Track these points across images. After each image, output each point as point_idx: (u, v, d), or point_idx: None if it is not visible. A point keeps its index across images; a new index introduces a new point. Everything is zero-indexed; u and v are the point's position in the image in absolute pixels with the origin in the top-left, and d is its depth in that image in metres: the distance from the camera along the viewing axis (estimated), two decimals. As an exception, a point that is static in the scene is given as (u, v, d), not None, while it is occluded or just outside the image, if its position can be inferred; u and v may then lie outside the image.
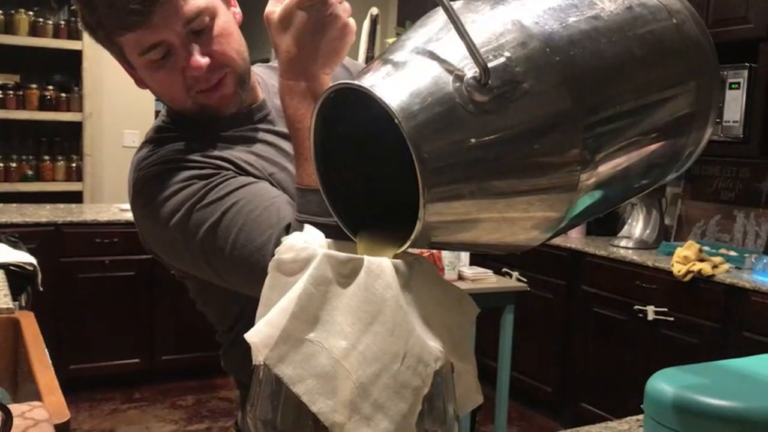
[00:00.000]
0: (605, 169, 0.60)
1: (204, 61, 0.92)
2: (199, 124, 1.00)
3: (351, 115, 0.65)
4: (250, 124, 1.03)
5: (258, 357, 0.62)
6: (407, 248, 0.63)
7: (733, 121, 2.91)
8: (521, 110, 0.56)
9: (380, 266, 0.62)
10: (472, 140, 0.56)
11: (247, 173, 0.97)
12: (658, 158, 0.64)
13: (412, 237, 0.60)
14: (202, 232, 0.92)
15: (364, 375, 0.58)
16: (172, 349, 3.75)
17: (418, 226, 0.58)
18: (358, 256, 0.62)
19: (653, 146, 0.63)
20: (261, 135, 1.02)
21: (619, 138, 0.60)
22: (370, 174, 0.71)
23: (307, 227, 0.71)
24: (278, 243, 0.65)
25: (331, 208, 0.68)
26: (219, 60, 0.94)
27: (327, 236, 0.70)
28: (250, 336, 0.60)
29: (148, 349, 3.72)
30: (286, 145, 0.97)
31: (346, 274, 0.62)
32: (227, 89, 0.97)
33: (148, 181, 0.97)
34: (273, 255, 0.65)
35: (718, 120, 2.93)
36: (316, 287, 0.61)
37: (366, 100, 0.58)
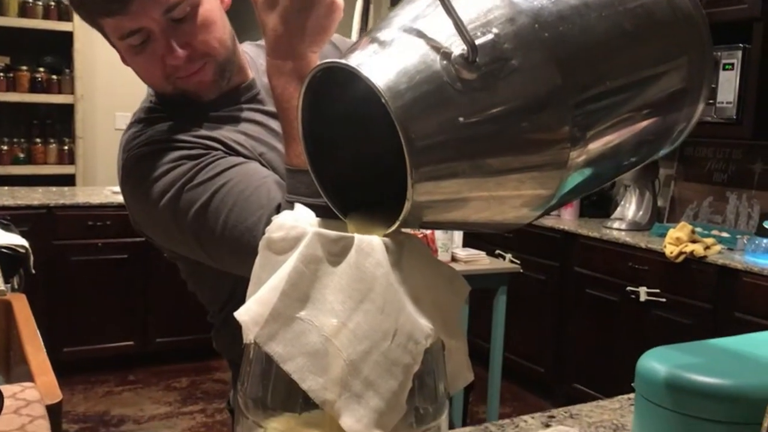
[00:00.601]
0: (595, 146, 0.60)
1: (183, 52, 0.92)
2: (186, 104, 0.99)
3: (339, 94, 0.64)
4: (240, 104, 1.02)
5: (248, 335, 0.61)
6: (397, 228, 0.63)
7: (727, 102, 2.91)
8: (510, 88, 0.56)
9: (371, 244, 0.61)
10: (461, 119, 0.56)
11: (237, 153, 0.96)
12: (649, 135, 0.64)
13: (401, 217, 0.60)
14: (192, 212, 0.91)
15: (355, 353, 0.58)
16: (166, 332, 3.75)
17: (407, 206, 0.58)
18: (349, 234, 0.62)
19: (644, 123, 0.62)
20: (250, 114, 1.02)
21: (609, 115, 0.60)
22: (360, 153, 0.71)
23: (298, 206, 0.71)
24: (269, 223, 0.65)
25: (320, 189, 0.67)
26: (199, 49, 0.94)
27: (317, 216, 0.70)
28: (240, 314, 0.60)
29: (142, 331, 3.72)
30: (276, 125, 0.97)
31: (337, 253, 0.61)
32: (206, 77, 0.96)
33: (137, 161, 0.96)
34: (263, 235, 0.65)
35: (711, 101, 2.93)
36: (306, 265, 0.61)
37: (354, 78, 0.57)
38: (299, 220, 0.66)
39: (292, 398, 0.59)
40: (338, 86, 0.63)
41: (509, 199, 0.60)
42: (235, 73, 1.01)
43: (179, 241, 0.98)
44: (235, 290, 1.01)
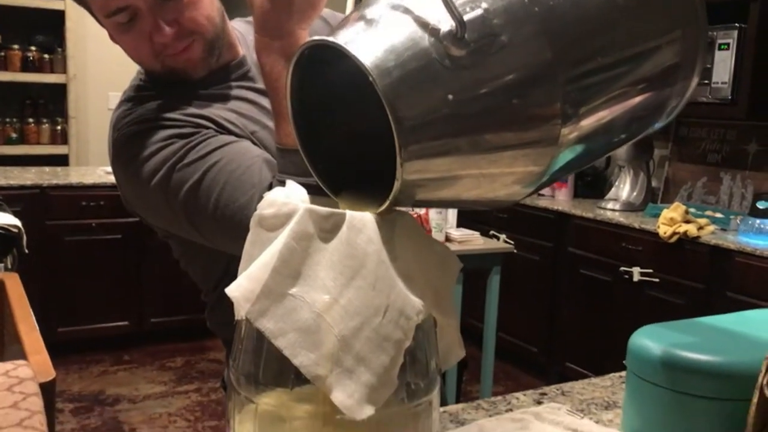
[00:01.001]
0: (587, 123, 0.59)
1: (170, 30, 0.91)
2: (176, 82, 0.98)
3: (329, 72, 0.64)
4: (230, 82, 1.02)
5: (239, 311, 0.61)
6: (388, 207, 0.62)
7: (722, 83, 2.91)
8: (499, 64, 0.55)
9: (362, 221, 0.61)
10: (450, 96, 0.55)
11: (228, 132, 0.96)
12: (642, 110, 0.63)
13: (391, 196, 0.59)
14: (183, 191, 0.91)
15: (346, 328, 0.58)
16: (160, 312, 3.76)
17: (397, 185, 0.58)
18: (340, 210, 0.62)
19: (637, 99, 0.62)
20: (241, 92, 1.01)
21: (602, 91, 0.59)
22: (351, 132, 0.70)
23: (289, 182, 0.71)
24: (260, 202, 0.65)
25: (311, 169, 0.67)
26: (187, 27, 0.93)
27: (309, 194, 0.69)
28: (231, 290, 0.60)
29: (137, 311, 3.72)
30: (267, 103, 0.96)
31: (328, 229, 0.61)
32: (194, 54, 0.96)
33: (128, 140, 0.96)
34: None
35: (706, 81, 2.93)
36: (297, 242, 0.61)
37: (342, 56, 0.57)
38: (291, 197, 0.66)
39: (284, 374, 0.59)
40: (327, 64, 0.62)
41: (501, 176, 0.60)
42: (224, 50, 1.00)
43: (171, 220, 0.98)
44: (228, 269, 1.01)
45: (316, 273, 0.60)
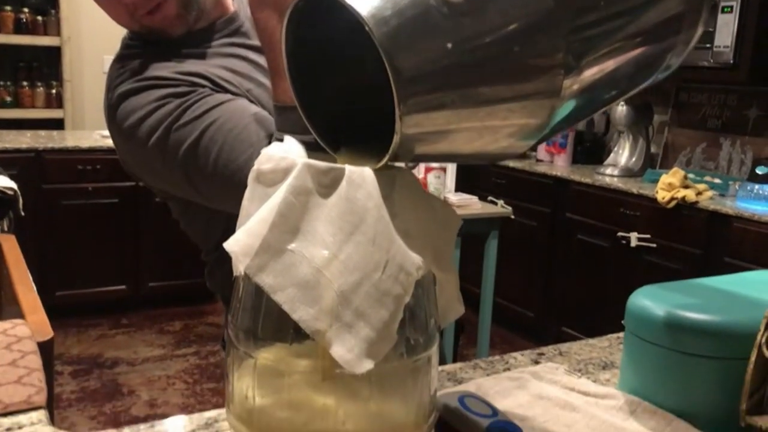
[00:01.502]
0: (590, 74, 0.58)
1: None
2: (162, 42, 0.97)
3: (324, 25, 0.62)
4: (221, 39, 1.00)
5: (238, 266, 0.61)
6: (388, 162, 0.62)
7: (724, 47, 2.88)
8: (500, 11, 0.54)
9: (362, 176, 0.60)
10: (449, 45, 0.54)
11: (224, 90, 0.94)
12: (645, 61, 0.62)
13: (391, 151, 0.58)
14: (181, 152, 0.90)
15: (346, 283, 0.57)
16: (158, 276, 3.76)
17: (396, 139, 0.57)
18: (339, 165, 0.61)
19: (642, 49, 0.61)
20: (235, 50, 1.00)
21: (606, 41, 0.58)
22: (349, 86, 0.69)
23: (288, 138, 0.70)
24: None
25: (309, 126, 0.66)
26: None
27: (308, 151, 0.69)
28: (230, 245, 0.59)
29: (134, 276, 3.73)
30: (263, 60, 0.95)
31: (327, 184, 0.61)
32: (169, 12, 0.94)
33: (122, 101, 0.94)
34: None
35: (708, 45, 2.90)
36: (296, 197, 0.60)
37: (338, 7, 0.55)
38: (289, 152, 0.65)
39: (283, 329, 0.59)
40: (322, 16, 0.61)
41: (502, 128, 0.59)
42: (210, 7, 0.99)
43: (169, 180, 0.97)
44: (228, 228, 1.01)
45: (314, 228, 0.60)
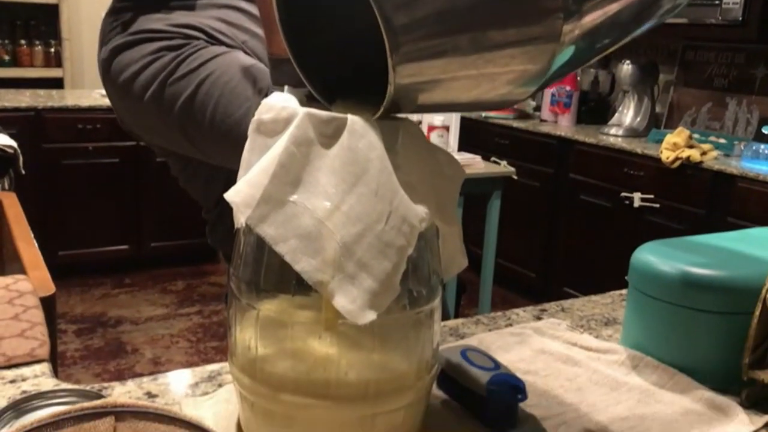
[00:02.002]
0: (592, 18, 0.56)
1: None
2: None
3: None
4: None
5: (239, 217, 0.60)
6: (384, 114, 0.60)
7: (733, 3, 2.82)
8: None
9: (364, 125, 0.59)
10: None
11: (219, 42, 0.92)
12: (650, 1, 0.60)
13: (385, 102, 0.57)
14: (177, 106, 0.89)
15: (348, 235, 0.57)
16: (160, 236, 3.77)
17: (390, 90, 0.55)
18: (342, 115, 0.60)
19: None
20: (230, 0, 0.97)
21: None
22: (342, 38, 0.67)
23: (288, 89, 0.68)
24: None
25: (303, 78, 0.64)
26: None
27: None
28: (231, 195, 0.58)
29: (136, 235, 3.73)
30: (257, 10, 0.93)
31: (329, 134, 0.59)
32: None
33: (116, 55, 0.93)
34: None
35: (716, 2, 2.84)
36: (297, 147, 0.59)
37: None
38: (290, 102, 0.64)
39: (286, 280, 0.59)
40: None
41: (500, 75, 0.58)
42: None
43: (166, 136, 0.96)
44: (228, 184, 1.00)
45: (316, 179, 0.59)
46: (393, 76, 0.54)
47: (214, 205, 1.09)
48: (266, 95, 0.82)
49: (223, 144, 0.88)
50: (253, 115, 0.62)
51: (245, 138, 0.63)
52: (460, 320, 0.98)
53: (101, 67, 0.96)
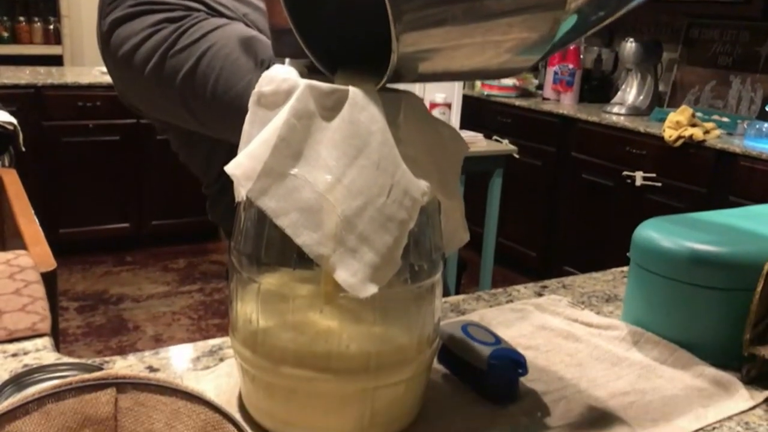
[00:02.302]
0: None
1: None
2: None
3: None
4: None
5: (240, 191, 0.60)
6: (387, 82, 0.60)
7: (738, -20, 2.79)
8: None
9: (366, 98, 0.59)
10: None
11: (220, 14, 0.91)
12: None
13: (389, 71, 0.56)
14: (179, 79, 0.88)
15: (349, 208, 0.56)
16: (161, 214, 3.77)
17: (393, 58, 0.55)
18: (343, 87, 0.59)
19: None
20: None
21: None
22: (344, 8, 0.67)
23: (289, 61, 0.68)
24: None
25: (305, 48, 0.64)
26: None
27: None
28: (231, 168, 0.58)
29: (137, 213, 3.73)
30: None
31: (330, 107, 0.59)
32: None
33: (115, 28, 0.91)
34: None
35: (721, -21, 2.81)
36: (298, 119, 0.58)
37: None
38: (291, 74, 0.63)
39: (287, 254, 0.58)
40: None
41: (503, 43, 0.57)
42: None
43: (167, 109, 0.95)
44: (229, 159, 0.99)
45: (317, 152, 0.58)
46: (396, 45, 0.53)
47: (214, 180, 1.08)
48: (267, 67, 0.81)
49: (224, 117, 0.87)
50: (255, 88, 0.62)
51: (246, 111, 0.63)
52: (461, 296, 0.98)
53: (100, 41, 0.95)
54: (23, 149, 2.11)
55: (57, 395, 0.45)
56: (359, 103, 0.58)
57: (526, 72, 4.08)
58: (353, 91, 0.59)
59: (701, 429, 0.68)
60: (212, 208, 1.14)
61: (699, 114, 2.99)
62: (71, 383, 0.46)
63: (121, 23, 0.91)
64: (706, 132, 2.80)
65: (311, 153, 0.59)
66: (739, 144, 2.70)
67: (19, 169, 2.03)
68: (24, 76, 3.54)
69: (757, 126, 2.70)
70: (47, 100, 3.42)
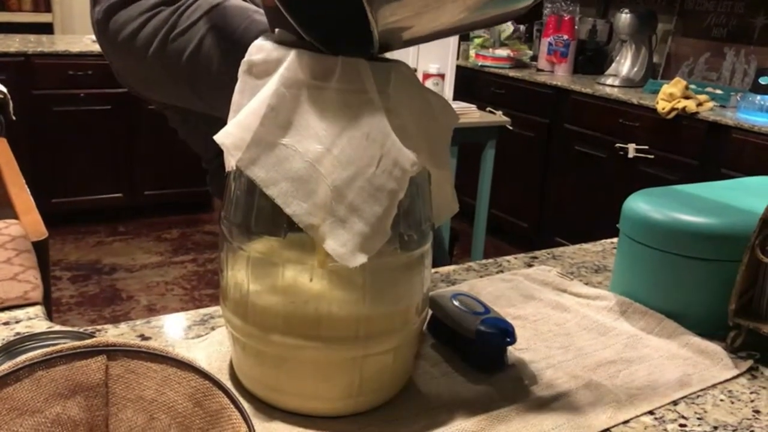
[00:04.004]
0: None
1: None
2: None
3: None
4: None
5: (230, 160, 0.60)
6: (378, 54, 0.60)
7: (734, -50, 2.77)
8: None
9: (356, 68, 0.59)
10: None
11: None
12: None
13: (375, 45, 0.56)
14: (183, 61, 0.88)
15: (339, 178, 0.57)
16: (154, 185, 3.75)
17: (375, 33, 0.55)
18: (332, 56, 0.59)
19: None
20: None
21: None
22: None
23: (279, 30, 0.67)
24: None
25: (297, 26, 0.63)
26: None
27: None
28: (221, 137, 0.58)
29: (130, 183, 3.72)
30: None
31: (320, 76, 0.59)
32: None
33: (111, 15, 0.91)
34: None
35: (718, -51, 2.78)
36: (287, 89, 0.58)
37: None
38: (281, 44, 0.63)
39: (277, 223, 0.59)
40: None
41: None
42: None
43: (171, 91, 0.95)
44: None
45: (307, 122, 0.58)
46: (374, 22, 0.53)
47: (214, 155, 1.08)
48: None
49: (229, 94, 0.87)
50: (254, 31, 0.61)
51: None
52: (451, 267, 0.99)
53: (96, 28, 0.94)
54: (14, 118, 2.09)
55: (48, 362, 0.46)
56: (349, 73, 0.58)
57: (519, 42, 3.99)
58: (343, 60, 0.58)
59: (686, 397, 0.70)
60: (212, 183, 1.14)
61: (692, 86, 2.99)
62: (62, 350, 0.46)
63: (116, 10, 0.90)
64: (699, 104, 2.80)
65: (301, 122, 0.58)
66: (731, 116, 2.70)
67: (10, 138, 2.02)
68: (13, 44, 3.49)
69: (750, 98, 2.70)
70: (37, 68, 3.38)
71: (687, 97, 2.82)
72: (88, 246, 3.46)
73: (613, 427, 0.64)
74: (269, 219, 0.59)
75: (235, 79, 0.87)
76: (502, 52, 3.80)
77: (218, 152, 1.05)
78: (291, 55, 0.58)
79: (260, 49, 0.61)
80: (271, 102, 0.58)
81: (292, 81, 0.58)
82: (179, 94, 0.94)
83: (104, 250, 3.44)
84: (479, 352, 0.71)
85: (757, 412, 0.68)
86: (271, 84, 0.58)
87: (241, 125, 0.58)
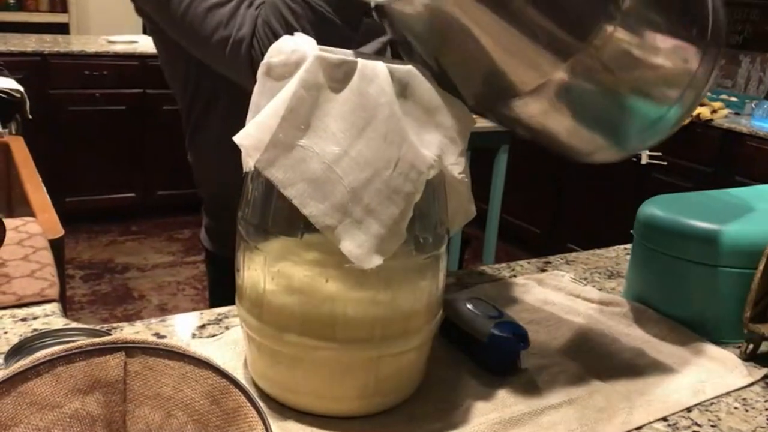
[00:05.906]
0: None
1: None
2: None
3: None
4: None
5: (248, 161, 0.60)
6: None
7: (751, -43, 2.76)
8: None
9: (374, 70, 0.59)
10: None
11: None
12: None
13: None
14: None
15: (356, 180, 0.57)
16: (167, 185, 3.77)
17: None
18: (352, 59, 0.59)
19: None
20: None
21: None
22: None
23: (298, 34, 0.68)
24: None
25: None
26: None
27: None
28: (240, 138, 0.58)
29: (143, 183, 3.74)
30: None
31: (339, 78, 0.59)
32: None
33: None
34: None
35: (734, -44, 2.77)
36: (307, 91, 0.59)
37: None
38: (300, 45, 0.63)
39: (293, 224, 0.59)
40: None
41: None
42: None
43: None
44: (211, 98, 0.94)
45: (326, 124, 0.59)
46: None
47: (188, 107, 1.05)
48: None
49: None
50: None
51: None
52: (464, 271, 0.99)
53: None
54: (30, 117, 2.11)
55: (67, 358, 0.46)
56: (368, 75, 0.59)
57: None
58: (362, 63, 0.59)
59: (699, 404, 0.69)
60: (191, 149, 1.08)
61: (707, 93, 2.97)
62: (81, 347, 0.47)
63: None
64: (714, 111, 2.79)
65: (319, 124, 0.59)
66: (746, 124, 2.69)
67: (26, 137, 2.04)
68: (30, 43, 3.53)
69: (765, 106, 2.69)
70: (53, 68, 3.41)
71: (702, 104, 2.81)
72: (101, 245, 3.48)
73: (626, 432, 0.64)
74: (286, 219, 0.60)
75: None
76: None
77: (189, 110, 1.03)
78: (310, 58, 0.58)
79: (279, 51, 0.61)
80: (290, 104, 0.58)
81: (311, 83, 0.59)
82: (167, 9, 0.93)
83: (117, 249, 3.46)
84: (493, 356, 0.71)
85: (772, 420, 0.68)
86: (291, 86, 0.59)
87: (259, 127, 0.59)
